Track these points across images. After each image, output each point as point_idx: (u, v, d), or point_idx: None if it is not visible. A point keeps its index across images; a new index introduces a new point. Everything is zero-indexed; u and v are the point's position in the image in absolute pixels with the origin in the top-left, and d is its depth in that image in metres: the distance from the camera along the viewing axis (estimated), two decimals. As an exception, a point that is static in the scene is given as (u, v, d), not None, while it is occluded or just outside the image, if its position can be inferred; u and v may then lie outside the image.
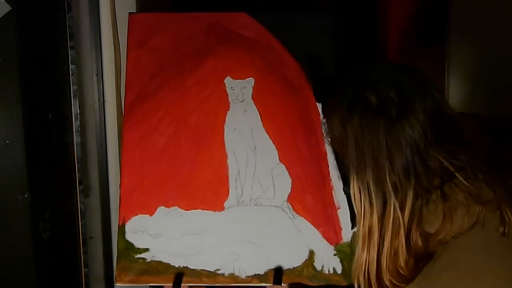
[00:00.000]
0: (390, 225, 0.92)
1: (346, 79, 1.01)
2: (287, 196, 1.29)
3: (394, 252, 0.93)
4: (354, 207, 0.98)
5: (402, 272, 0.93)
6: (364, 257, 0.96)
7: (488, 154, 0.92)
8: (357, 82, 0.98)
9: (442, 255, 0.90)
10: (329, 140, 1.03)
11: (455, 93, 1.85)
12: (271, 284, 1.25)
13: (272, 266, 1.27)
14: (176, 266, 1.28)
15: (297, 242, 1.28)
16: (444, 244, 0.90)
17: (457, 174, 0.89)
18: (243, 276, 1.27)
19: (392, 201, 0.91)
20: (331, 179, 1.29)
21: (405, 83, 0.93)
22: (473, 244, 0.87)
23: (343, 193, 1.27)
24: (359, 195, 0.96)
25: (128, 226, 1.29)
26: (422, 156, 0.90)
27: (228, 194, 1.30)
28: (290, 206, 1.29)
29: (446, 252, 0.89)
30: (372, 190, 0.93)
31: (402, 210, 0.91)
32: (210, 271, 1.27)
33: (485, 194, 0.87)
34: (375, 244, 0.94)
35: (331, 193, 1.28)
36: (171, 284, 1.26)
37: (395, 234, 0.92)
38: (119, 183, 1.32)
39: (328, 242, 1.27)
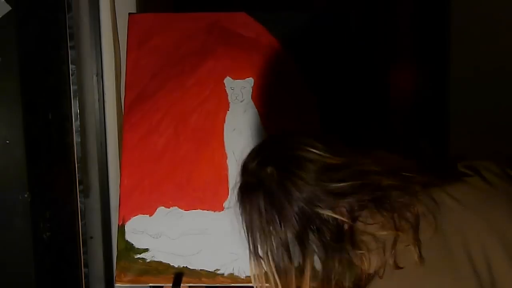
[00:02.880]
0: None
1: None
2: (286, 196, 1.29)
3: None
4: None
5: None
6: None
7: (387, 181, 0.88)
8: (240, 175, 0.96)
9: None
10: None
11: (457, 92, 1.85)
12: (271, 284, 1.25)
13: (272, 266, 1.27)
14: (176, 266, 1.28)
15: (296, 242, 1.27)
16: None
17: (354, 224, 0.87)
18: (242, 276, 1.27)
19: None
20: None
21: (277, 155, 0.91)
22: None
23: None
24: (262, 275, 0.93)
25: (128, 226, 1.30)
26: (315, 220, 0.88)
27: (228, 194, 1.30)
28: (290, 206, 1.29)
29: None
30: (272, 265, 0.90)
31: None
32: (209, 271, 1.28)
33: (390, 227, 0.86)
34: None
35: (331, 193, 1.28)
36: (171, 284, 1.26)
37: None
38: (119, 183, 1.32)
39: (328, 242, 1.27)
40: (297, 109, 1.32)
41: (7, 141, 1.43)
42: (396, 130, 1.76)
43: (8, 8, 1.39)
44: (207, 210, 1.30)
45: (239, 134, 1.32)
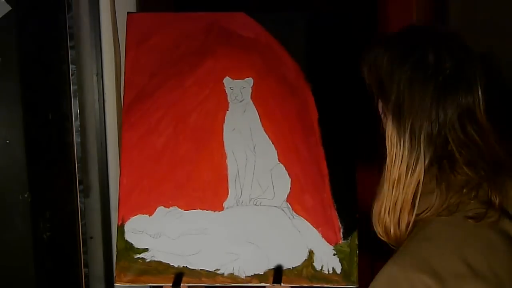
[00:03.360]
0: (409, 178, 0.93)
1: (415, 29, 1.02)
2: (286, 196, 1.29)
3: (400, 207, 0.95)
4: (388, 150, 0.98)
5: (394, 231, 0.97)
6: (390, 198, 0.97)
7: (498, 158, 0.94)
8: (424, 36, 0.98)
9: (423, 229, 0.92)
10: (368, 75, 1.02)
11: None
12: (271, 284, 1.25)
13: (272, 266, 1.27)
14: (176, 266, 1.28)
15: (296, 242, 1.27)
16: (426, 221, 0.93)
17: (463, 166, 0.92)
18: (242, 276, 1.27)
19: (421, 158, 0.93)
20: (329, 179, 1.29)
21: (468, 65, 0.94)
22: (454, 221, 0.90)
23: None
24: (395, 140, 0.96)
25: (128, 226, 1.30)
26: (445, 133, 0.92)
27: (228, 194, 1.30)
28: (290, 206, 1.29)
29: (428, 226, 0.91)
30: (406, 139, 0.94)
31: (421, 168, 0.93)
32: (209, 271, 1.28)
33: (476, 187, 0.91)
34: (401, 190, 0.95)
35: (330, 193, 1.28)
36: (171, 284, 1.26)
37: (409, 187, 0.94)
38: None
39: (328, 242, 1.27)
40: (296, 109, 1.32)
41: (7, 141, 1.43)
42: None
43: (8, 8, 1.39)
44: (207, 210, 1.30)
45: (238, 134, 1.32)
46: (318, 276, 1.26)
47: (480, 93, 0.93)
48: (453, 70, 0.92)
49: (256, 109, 1.33)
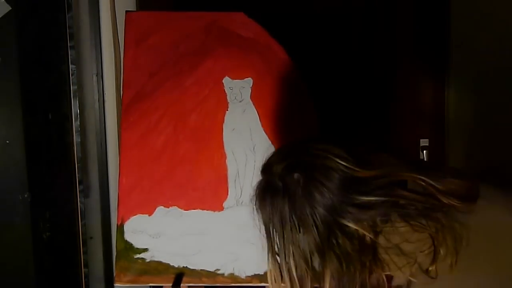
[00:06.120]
0: None
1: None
2: (286, 196, 1.29)
3: None
4: None
5: None
6: None
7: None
8: (264, 173, 0.95)
9: None
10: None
11: (455, 94, 1.85)
12: (271, 284, 1.25)
13: (271, 266, 1.27)
14: (176, 266, 1.28)
15: (296, 242, 1.27)
16: None
17: (376, 238, 0.86)
18: (242, 276, 1.27)
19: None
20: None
21: (305, 163, 0.90)
22: None
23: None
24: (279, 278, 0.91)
25: (127, 226, 1.30)
26: (337, 231, 0.87)
27: (227, 194, 1.30)
28: (289, 206, 1.29)
29: None
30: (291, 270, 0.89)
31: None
32: (209, 271, 1.28)
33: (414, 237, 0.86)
34: None
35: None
36: (171, 284, 1.26)
37: None
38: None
39: (327, 242, 1.27)
40: (296, 108, 1.32)
41: (7, 141, 1.43)
42: (395, 133, 1.75)
43: (8, 8, 1.39)
44: (207, 210, 1.30)
45: (238, 134, 1.32)
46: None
47: (340, 161, 0.88)
48: (303, 176, 0.89)
49: (256, 109, 1.33)
